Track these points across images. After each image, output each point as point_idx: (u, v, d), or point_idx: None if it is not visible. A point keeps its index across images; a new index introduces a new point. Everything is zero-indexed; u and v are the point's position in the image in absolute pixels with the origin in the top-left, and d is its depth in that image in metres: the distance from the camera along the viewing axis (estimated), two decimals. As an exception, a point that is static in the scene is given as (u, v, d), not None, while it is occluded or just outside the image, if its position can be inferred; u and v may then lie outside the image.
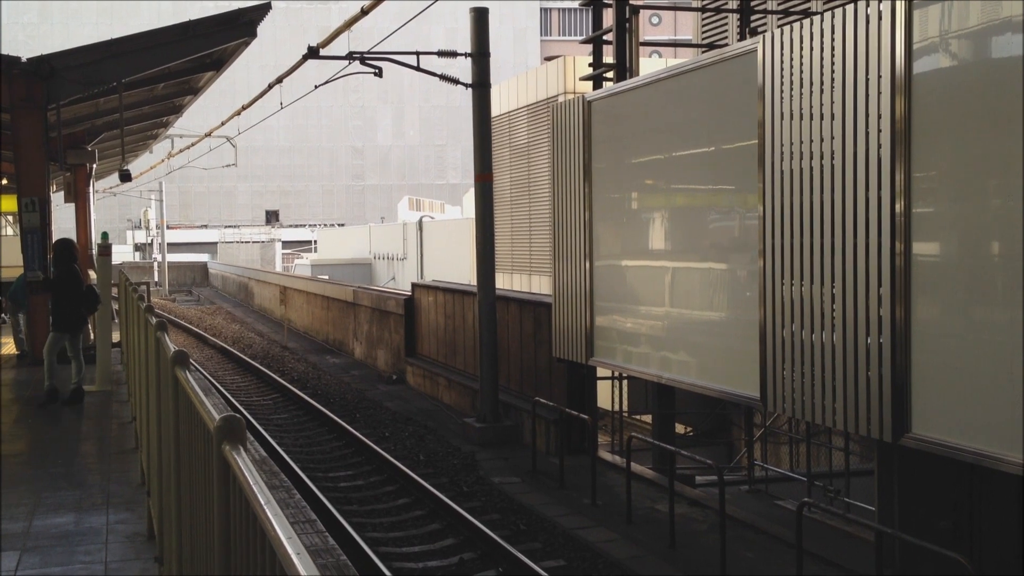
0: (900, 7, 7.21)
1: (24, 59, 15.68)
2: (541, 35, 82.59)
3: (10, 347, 17.70)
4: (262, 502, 2.07)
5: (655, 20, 74.86)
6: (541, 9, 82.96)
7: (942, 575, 7.45)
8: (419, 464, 13.27)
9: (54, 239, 13.69)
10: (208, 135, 35.62)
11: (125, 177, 19.76)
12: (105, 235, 15.01)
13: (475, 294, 15.89)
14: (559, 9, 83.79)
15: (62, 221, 26.64)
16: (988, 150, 6.73)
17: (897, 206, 7.27)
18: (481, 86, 15.51)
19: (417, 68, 16.19)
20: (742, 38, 14.07)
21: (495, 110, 22.54)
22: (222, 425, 2.64)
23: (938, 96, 7.10)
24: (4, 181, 25.83)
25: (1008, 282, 6.56)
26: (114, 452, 9.45)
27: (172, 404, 4.23)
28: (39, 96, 15.49)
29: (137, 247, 68.88)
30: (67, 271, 12.37)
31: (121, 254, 59.87)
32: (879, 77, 7.40)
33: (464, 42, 17.07)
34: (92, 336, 15.29)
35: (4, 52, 17.05)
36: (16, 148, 15.70)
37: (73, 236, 23.84)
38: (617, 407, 13.66)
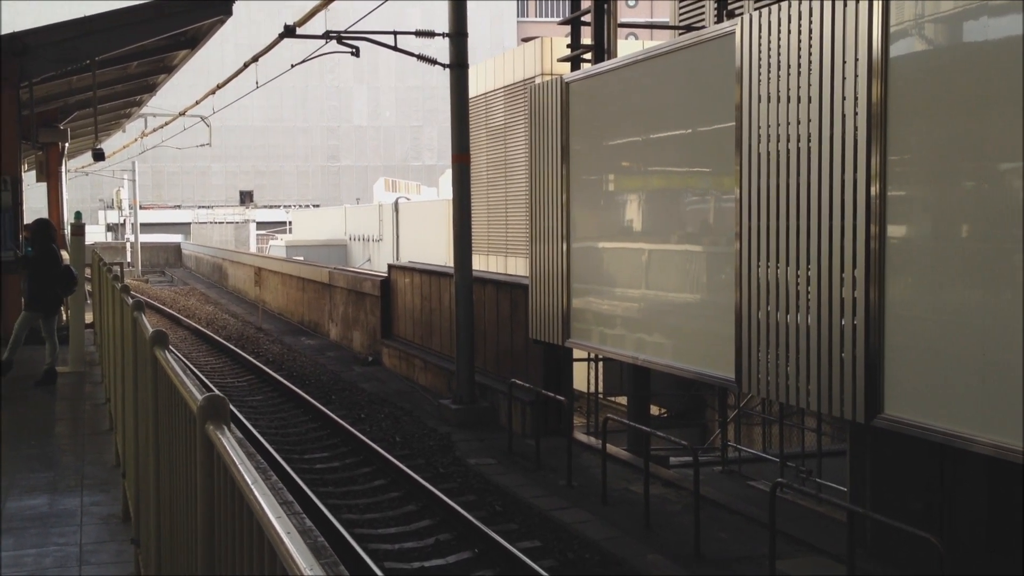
0: (877, -8, 7.24)
1: (-5, 36, 15.46)
2: (518, 16, 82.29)
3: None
4: (249, 482, 2.08)
5: (631, 3, 74.78)
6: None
7: (913, 554, 7.56)
8: (395, 445, 13.28)
9: (26, 219, 13.56)
10: (182, 114, 35.29)
11: (98, 156, 19.60)
12: (78, 215, 14.89)
13: (452, 275, 15.88)
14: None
15: (33, 200, 26.39)
16: (961, 134, 6.79)
17: (872, 189, 7.32)
18: (459, 66, 15.45)
19: (395, 48, 16.09)
20: (719, 20, 14.08)
21: (472, 91, 22.45)
22: (206, 405, 2.64)
23: (914, 80, 7.15)
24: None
25: (979, 264, 6.64)
26: (88, 433, 9.40)
27: (151, 384, 4.22)
28: (12, 73, 15.29)
29: (109, 227, 68.22)
30: (45, 251, 12.25)
31: (93, 234, 59.28)
32: (856, 60, 7.44)
33: (440, 22, 17.00)
34: (65, 317, 15.17)
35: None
36: (-12, 126, 15.49)
37: (45, 216, 23.60)
38: (593, 389, 13.72)
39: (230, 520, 2.43)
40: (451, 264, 15.58)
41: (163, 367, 3.83)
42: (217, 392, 2.81)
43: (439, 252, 30.67)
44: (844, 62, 7.55)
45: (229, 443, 2.46)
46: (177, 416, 3.56)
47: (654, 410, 13.91)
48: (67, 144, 24.72)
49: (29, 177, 26.27)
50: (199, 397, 2.87)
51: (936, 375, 6.88)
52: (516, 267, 22.93)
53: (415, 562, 9.03)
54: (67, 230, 18.96)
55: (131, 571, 5.57)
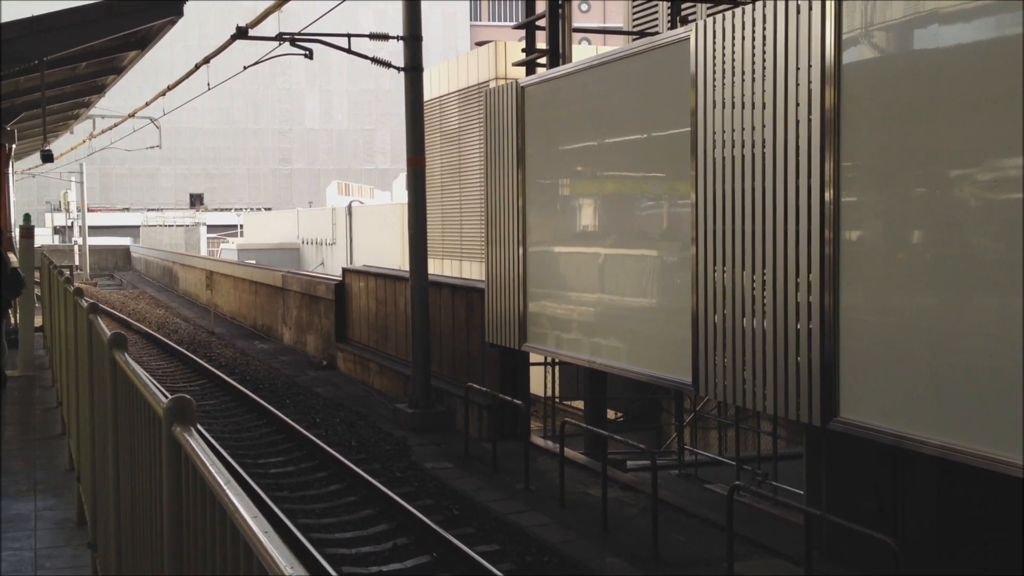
0: (829, 0, 7.34)
1: (-60, 35, 15.16)
2: (471, 20, 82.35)
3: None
4: (222, 483, 2.06)
5: (584, 7, 75.12)
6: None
7: (868, 556, 7.67)
8: (351, 450, 13.21)
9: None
10: (132, 115, 34.88)
11: (47, 158, 19.28)
12: (27, 217, 14.67)
13: (407, 279, 15.84)
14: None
15: (-21, 202, 25.86)
16: (913, 140, 6.91)
17: (826, 194, 7.42)
18: (414, 70, 15.42)
19: (348, 51, 16.05)
20: (672, 26, 14.20)
21: (426, 95, 22.45)
22: (172, 407, 2.61)
23: (866, 87, 7.25)
24: (-81, 160, 25.01)
25: (931, 269, 6.76)
26: (39, 438, 9.26)
27: (109, 387, 4.17)
28: (-43, 73, 15.01)
29: (56, 230, 67.18)
30: None
31: (40, 237, 58.35)
32: (809, 67, 7.54)
33: (392, 25, 16.96)
34: (14, 320, 14.92)
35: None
36: (-67, 127, 15.20)
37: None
38: (550, 393, 13.75)
39: (200, 521, 2.41)
40: (406, 268, 15.55)
41: (123, 370, 3.78)
42: (183, 394, 2.78)
43: (393, 256, 30.59)
44: (797, 68, 7.65)
45: (198, 444, 2.44)
46: (138, 418, 3.52)
47: (610, 414, 13.98)
48: (14, 145, 24.30)
49: (-26, 179, 25.79)
50: (163, 400, 2.85)
51: (890, 379, 6.99)
52: (471, 271, 22.93)
53: (373, 566, 8.99)
54: (15, 232, 18.66)
55: (88, 575, 5.49)
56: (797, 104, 7.65)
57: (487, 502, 10.74)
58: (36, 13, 16.47)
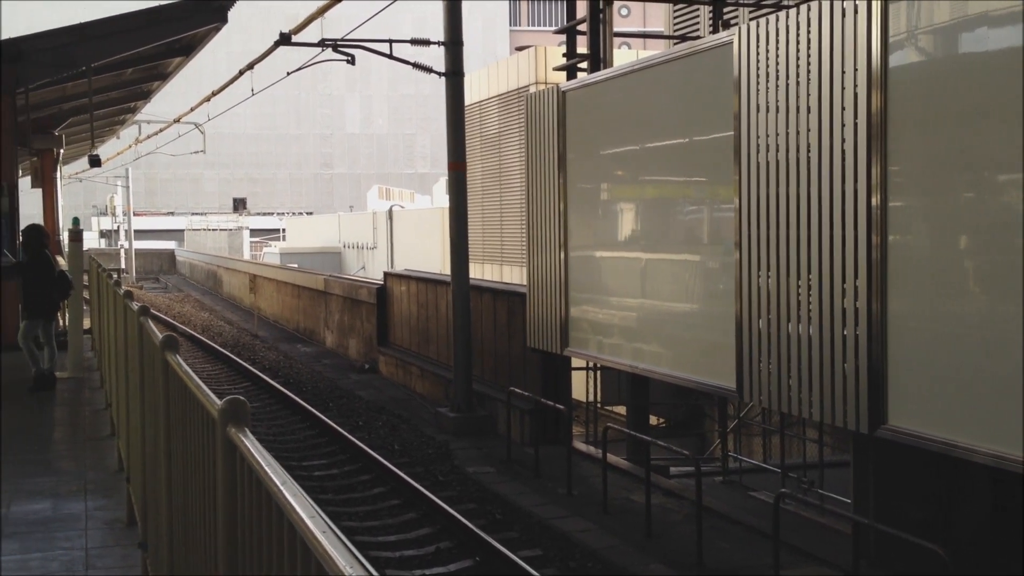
0: (876, 3, 7.28)
1: (-8, 42, 15.47)
2: (511, 25, 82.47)
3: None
4: (279, 483, 2.09)
5: (624, 12, 74.94)
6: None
7: (917, 566, 7.57)
8: (393, 453, 13.27)
9: (21, 225, 13.54)
10: (177, 121, 35.30)
11: (95, 162, 19.60)
12: (76, 221, 14.87)
13: (448, 283, 15.88)
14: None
15: (27, 207, 26.30)
16: (961, 144, 6.83)
17: (873, 199, 7.35)
18: (455, 74, 15.48)
19: (390, 56, 16.15)
20: (714, 30, 14.15)
21: (466, 99, 22.57)
22: (227, 408, 2.65)
23: (913, 90, 7.18)
24: (-30, 166, 25.46)
25: (980, 275, 6.68)
26: (88, 439, 9.38)
27: (161, 389, 4.22)
28: (8, 80, 15.29)
29: (103, 234, 68.13)
30: (38, 257, 12.23)
31: (87, 240, 59.24)
32: (855, 71, 7.48)
33: (432, 31, 17.03)
34: (63, 323, 15.14)
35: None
36: (-16, 132, 15.48)
37: (40, 222, 23.55)
38: (591, 398, 13.73)
39: (255, 520, 2.44)
40: (447, 272, 15.60)
41: (176, 372, 3.83)
42: (237, 396, 2.82)
43: (434, 260, 30.70)
44: (843, 72, 7.59)
45: (253, 445, 2.47)
46: (190, 420, 3.57)
47: (653, 420, 13.93)
48: (62, 150, 24.71)
49: (24, 183, 26.24)
50: (217, 401, 2.89)
51: (939, 385, 6.91)
52: (511, 275, 22.96)
53: (416, 569, 9.02)
54: (63, 236, 18.95)
55: (138, 574, 5.56)
56: (843, 108, 7.59)
57: (529, 507, 10.74)
58: (83, 19, 16.76)
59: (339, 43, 16.53)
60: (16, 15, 71.56)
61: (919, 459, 7.74)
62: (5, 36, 16.20)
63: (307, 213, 72.94)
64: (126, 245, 56.19)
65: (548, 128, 12.55)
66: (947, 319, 6.89)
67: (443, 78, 15.57)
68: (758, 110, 8.56)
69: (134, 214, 59.12)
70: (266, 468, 2.25)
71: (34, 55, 15.71)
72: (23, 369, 12.21)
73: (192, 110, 32.63)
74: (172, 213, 76.45)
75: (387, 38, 16.06)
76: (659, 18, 26.06)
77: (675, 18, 19.07)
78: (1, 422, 9.75)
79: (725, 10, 14.84)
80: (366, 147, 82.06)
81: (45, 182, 24.28)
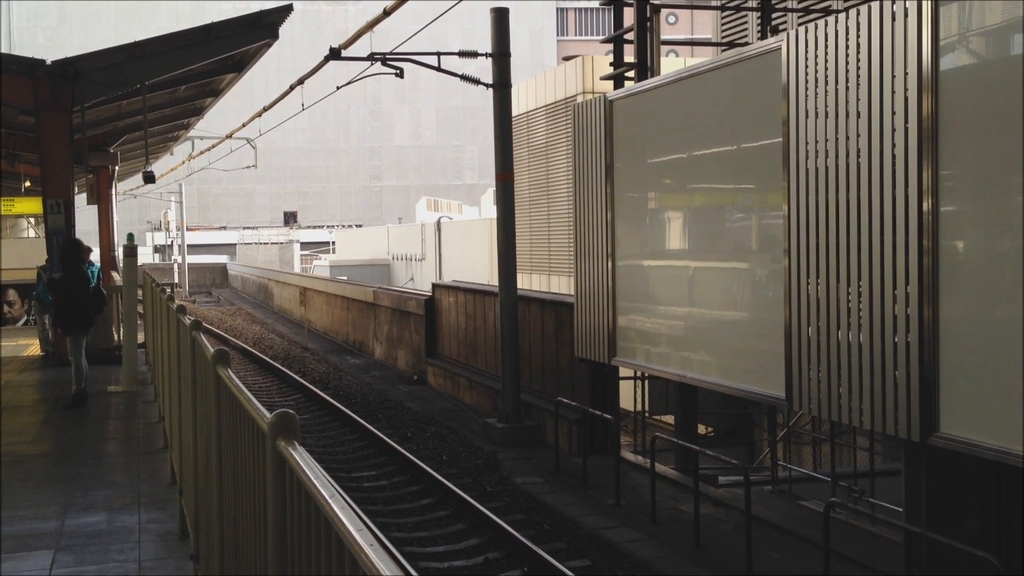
0: (926, 5, 7.20)
1: (49, 62, 15.81)
2: (557, 35, 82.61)
3: (35, 348, 17.85)
4: (327, 496, 2.12)
5: (671, 19, 74.73)
6: (557, 9, 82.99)
7: (970, 574, 7.44)
8: (442, 464, 13.31)
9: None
10: (229, 136, 35.80)
11: (149, 179, 19.91)
12: (131, 236, 15.14)
13: (496, 294, 15.93)
14: (575, 9, 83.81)
15: (83, 223, 26.83)
16: (1012, 148, 6.72)
17: (924, 204, 7.26)
18: (502, 86, 15.56)
19: (438, 69, 16.25)
20: (762, 36, 14.06)
21: (513, 110, 22.64)
22: (277, 421, 2.69)
23: (964, 93, 7.09)
24: (28, 183, 26.03)
25: (1035, 280, 6.55)
26: (142, 452, 9.53)
27: (213, 402, 4.29)
28: (64, 98, 15.63)
29: (157, 249, 69.26)
30: (73, 272, 12.31)
31: (141, 256, 60.22)
32: (905, 75, 7.39)
33: (479, 43, 17.12)
34: (117, 337, 15.39)
35: (28, 55, 17.20)
36: (42, 150, 15.85)
37: (96, 238, 24.01)
38: (639, 407, 13.67)
39: (304, 533, 2.47)
40: (495, 283, 15.65)
41: (227, 385, 3.89)
42: (287, 410, 2.86)
43: (482, 271, 30.78)
44: (893, 76, 7.51)
45: (302, 458, 2.50)
46: (241, 433, 3.62)
47: (701, 429, 13.84)
48: (117, 167, 25.15)
49: (80, 200, 26.76)
50: (267, 414, 2.93)
51: (993, 393, 6.79)
52: (559, 285, 22.95)
53: (465, 580, 9.05)
54: (119, 252, 19.29)
55: (191, 586, 5.65)
56: (893, 112, 7.51)
57: (578, 517, 10.72)
58: (133, 39, 17.05)
59: (388, 57, 16.67)
60: (73, 34, 73.04)
61: (972, 467, 7.61)
62: (62, 56, 16.51)
63: (356, 226, 73.55)
64: (179, 260, 57.01)
65: (595, 137, 12.55)
66: (1000, 325, 6.78)
67: (491, 89, 15.65)
68: (807, 116, 8.49)
69: (187, 229, 60.00)
70: (314, 481, 2.28)
71: (90, 74, 16.05)
72: (67, 384, 12.38)
73: (244, 125, 33.07)
74: (224, 227, 77.49)
75: (435, 51, 16.16)
76: (707, 25, 25.97)
77: (723, 25, 18.99)
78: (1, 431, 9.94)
79: (773, 16, 14.75)
80: (414, 159, 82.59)
81: (101, 199, 24.75)
